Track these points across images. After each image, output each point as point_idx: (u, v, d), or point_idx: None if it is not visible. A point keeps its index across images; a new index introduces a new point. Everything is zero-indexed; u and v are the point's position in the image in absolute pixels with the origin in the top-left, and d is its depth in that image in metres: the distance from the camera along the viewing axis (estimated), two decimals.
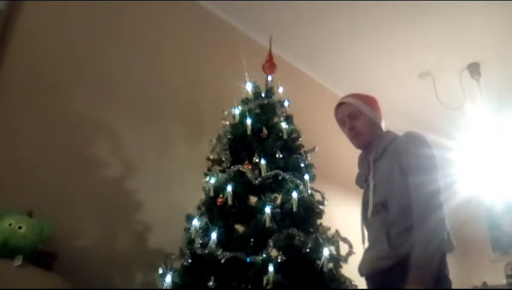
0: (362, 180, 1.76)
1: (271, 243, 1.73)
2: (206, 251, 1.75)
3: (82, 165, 2.20)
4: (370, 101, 1.77)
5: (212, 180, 1.98)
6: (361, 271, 1.64)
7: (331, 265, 1.84)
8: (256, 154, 2.07)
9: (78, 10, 2.41)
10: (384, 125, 1.77)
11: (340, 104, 1.78)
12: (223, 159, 2.08)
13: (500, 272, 4.45)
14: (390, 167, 1.56)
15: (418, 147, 1.54)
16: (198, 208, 2.02)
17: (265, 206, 1.82)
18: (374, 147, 1.68)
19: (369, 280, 1.61)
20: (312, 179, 2.12)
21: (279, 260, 1.73)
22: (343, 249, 1.95)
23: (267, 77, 2.41)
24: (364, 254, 1.65)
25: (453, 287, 1.45)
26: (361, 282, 1.86)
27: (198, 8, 3.10)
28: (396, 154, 1.56)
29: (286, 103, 2.31)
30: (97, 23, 2.50)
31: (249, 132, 2.08)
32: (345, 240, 1.96)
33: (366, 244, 1.66)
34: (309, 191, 2.02)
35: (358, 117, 1.72)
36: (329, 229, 2.02)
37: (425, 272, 1.32)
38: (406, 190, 1.48)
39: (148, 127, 2.55)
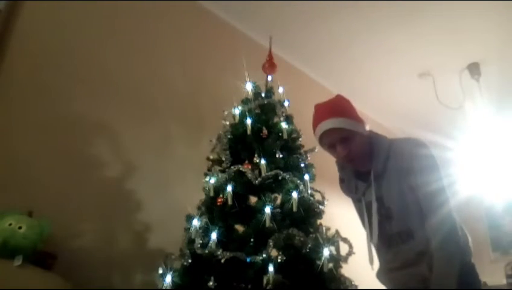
0: (353, 192, 1.67)
1: (271, 243, 1.73)
2: (206, 251, 1.75)
3: (82, 165, 2.20)
4: (354, 113, 1.56)
5: (212, 180, 1.97)
6: (392, 286, 1.59)
7: (331, 265, 1.84)
8: (256, 154, 2.07)
9: (78, 10, 2.41)
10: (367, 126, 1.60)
11: (326, 130, 1.52)
12: (223, 159, 2.07)
13: (500, 272, 4.45)
14: (400, 188, 1.48)
15: (422, 161, 1.47)
16: (198, 208, 2.02)
17: (265, 206, 1.81)
18: (371, 158, 1.54)
19: None
20: (312, 179, 2.12)
21: (279, 260, 1.72)
22: (343, 249, 1.94)
23: (267, 77, 2.41)
24: (392, 272, 1.57)
25: None
26: (361, 282, 1.86)
27: (198, 8, 3.10)
28: (401, 172, 1.47)
29: (286, 103, 2.31)
30: (97, 23, 2.50)
31: (249, 132, 2.08)
32: (345, 240, 1.96)
33: (376, 263, 1.61)
34: (309, 191, 2.02)
35: (351, 139, 1.50)
36: (329, 229, 2.02)
37: (447, 279, 1.32)
38: (422, 213, 1.44)
39: (148, 127, 2.55)
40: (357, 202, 1.69)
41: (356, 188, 1.64)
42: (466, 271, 1.39)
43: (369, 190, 1.57)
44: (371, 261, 1.59)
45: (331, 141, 1.52)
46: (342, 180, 1.74)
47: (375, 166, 1.53)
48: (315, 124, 1.56)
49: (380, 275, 1.65)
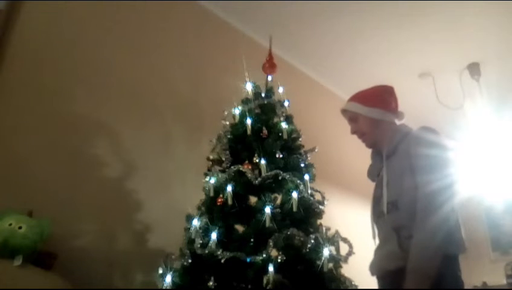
0: (374, 174, 1.74)
1: (271, 243, 1.73)
2: (206, 251, 1.75)
3: (82, 165, 2.20)
4: (368, 99, 1.75)
5: (212, 180, 1.98)
6: (372, 271, 1.62)
7: (331, 265, 1.84)
8: (256, 154, 2.07)
9: (78, 10, 2.41)
10: (395, 115, 1.75)
11: (342, 111, 1.83)
12: (223, 159, 2.07)
13: (500, 272, 4.45)
14: (402, 166, 1.54)
15: (425, 147, 1.51)
16: (198, 208, 2.02)
17: (265, 206, 1.81)
18: (386, 142, 1.66)
19: (380, 279, 1.59)
20: (312, 179, 2.12)
21: (279, 260, 1.72)
22: (343, 249, 1.95)
23: (267, 77, 2.41)
24: (375, 254, 1.63)
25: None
26: (361, 282, 1.86)
27: (198, 8, 3.11)
28: (407, 154, 1.55)
29: (286, 103, 2.31)
30: (97, 23, 2.50)
31: (249, 132, 2.08)
32: (345, 240, 1.96)
33: (377, 241, 1.64)
34: (309, 191, 2.02)
35: (357, 120, 1.75)
36: (329, 229, 2.02)
37: (420, 276, 1.31)
38: (415, 193, 1.46)
39: (148, 127, 2.55)
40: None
41: (378, 171, 1.73)
42: (444, 263, 1.36)
43: (382, 170, 1.66)
44: (374, 237, 1.66)
45: (347, 121, 1.81)
46: (370, 166, 1.83)
47: (388, 147, 1.65)
48: None
49: (371, 262, 1.66)
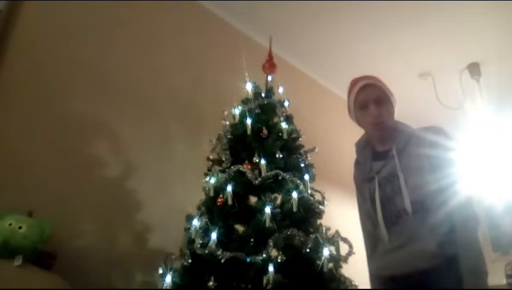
0: (367, 172, 1.64)
1: (271, 243, 1.73)
2: (206, 251, 1.75)
3: (82, 165, 2.20)
4: (389, 90, 1.67)
5: (212, 180, 1.97)
6: (391, 271, 1.51)
7: (331, 265, 1.84)
8: (256, 154, 2.07)
9: (78, 10, 2.41)
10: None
11: (365, 85, 1.62)
12: (223, 159, 2.07)
13: (500, 272, 4.45)
14: (420, 164, 1.49)
15: (441, 148, 1.51)
16: (198, 208, 2.02)
17: (265, 206, 1.81)
18: (393, 137, 1.59)
19: (399, 281, 1.47)
20: (312, 179, 2.12)
21: (279, 260, 1.72)
22: (343, 249, 1.94)
23: (267, 77, 2.41)
24: (394, 253, 1.50)
25: None
26: (361, 282, 1.86)
27: (198, 8, 3.11)
28: (423, 154, 1.50)
29: (286, 103, 2.31)
30: (97, 23, 2.50)
31: (249, 132, 2.08)
32: (345, 240, 1.96)
33: (386, 241, 1.53)
34: (309, 191, 2.02)
35: (385, 104, 1.59)
36: (329, 229, 2.02)
37: (479, 273, 1.32)
38: (439, 190, 1.45)
39: (148, 127, 2.55)
40: (367, 183, 1.63)
41: (371, 168, 1.63)
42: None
43: (385, 168, 1.57)
44: (385, 237, 1.53)
45: (366, 98, 1.59)
46: (357, 163, 1.75)
47: (398, 143, 1.57)
48: (353, 85, 1.66)
49: (385, 262, 1.56)
